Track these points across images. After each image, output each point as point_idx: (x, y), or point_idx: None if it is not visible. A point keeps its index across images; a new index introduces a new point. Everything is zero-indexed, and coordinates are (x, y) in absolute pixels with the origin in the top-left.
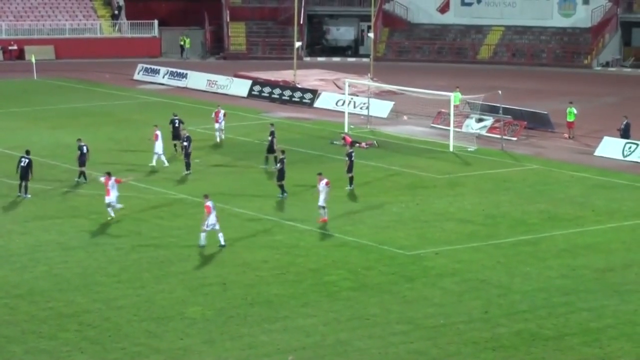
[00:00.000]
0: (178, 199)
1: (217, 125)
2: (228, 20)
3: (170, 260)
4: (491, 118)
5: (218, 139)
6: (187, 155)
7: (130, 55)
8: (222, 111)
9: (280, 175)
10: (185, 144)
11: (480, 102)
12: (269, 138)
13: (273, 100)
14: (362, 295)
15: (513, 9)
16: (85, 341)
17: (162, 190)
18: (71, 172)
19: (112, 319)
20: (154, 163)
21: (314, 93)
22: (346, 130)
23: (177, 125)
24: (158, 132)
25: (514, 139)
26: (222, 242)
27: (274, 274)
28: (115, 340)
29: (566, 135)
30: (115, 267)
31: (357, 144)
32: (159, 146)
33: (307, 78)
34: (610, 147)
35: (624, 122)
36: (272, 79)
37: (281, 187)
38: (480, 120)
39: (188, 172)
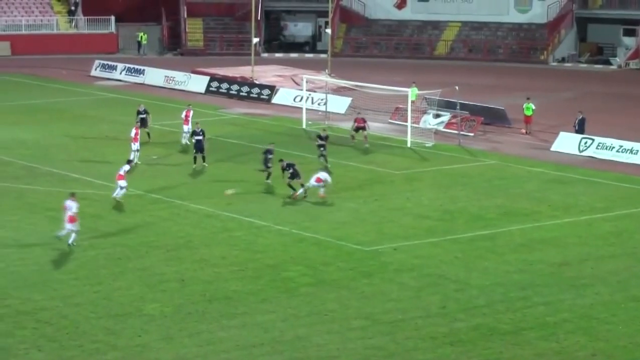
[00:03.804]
0: (135, 195)
1: (185, 128)
2: (185, 16)
3: (127, 257)
4: (448, 114)
5: (184, 141)
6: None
7: (87, 51)
8: (192, 111)
9: None
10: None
11: (438, 98)
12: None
13: (231, 96)
14: (321, 291)
15: (469, 4)
16: (42, 339)
17: None
18: (28, 168)
19: (69, 316)
20: None
21: (272, 89)
22: (304, 126)
23: None
24: None
25: (471, 134)
26: None
27: (232, 270)
28: (73, 338)
29: (523, 131)
30: (72, 264)
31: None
32: None
33: (264, 74)
34: (566, 142)
35: (579, 117)
36: (230, 75)
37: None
38: (437, 115)
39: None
